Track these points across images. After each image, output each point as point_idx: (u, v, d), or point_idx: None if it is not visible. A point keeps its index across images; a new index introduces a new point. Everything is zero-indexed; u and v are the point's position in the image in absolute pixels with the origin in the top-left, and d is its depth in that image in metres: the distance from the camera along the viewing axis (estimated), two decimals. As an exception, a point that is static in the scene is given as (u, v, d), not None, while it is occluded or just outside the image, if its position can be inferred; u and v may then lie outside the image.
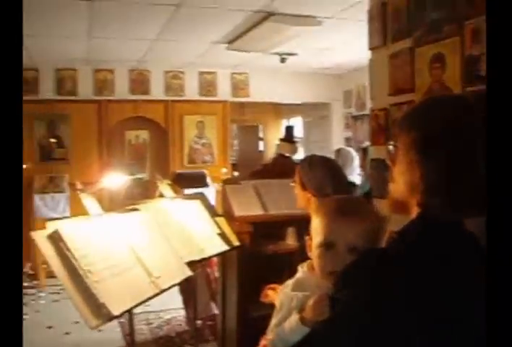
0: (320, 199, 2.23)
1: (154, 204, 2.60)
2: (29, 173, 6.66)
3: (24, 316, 5.07)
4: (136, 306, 1.82)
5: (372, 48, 2.59)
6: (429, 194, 1.09)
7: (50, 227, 1.74)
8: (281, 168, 3.73)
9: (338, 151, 5.50)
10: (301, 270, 1.55)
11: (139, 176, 2.36)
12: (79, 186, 1.93)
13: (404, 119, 1.21)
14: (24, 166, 6.54)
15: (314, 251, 1.47)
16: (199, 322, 4.36)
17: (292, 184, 2.66)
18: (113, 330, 4.33)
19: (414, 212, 1.13)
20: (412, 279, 1.00)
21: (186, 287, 4.08)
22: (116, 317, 1.68)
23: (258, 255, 3.13)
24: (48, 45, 5.63)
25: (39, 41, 5.42)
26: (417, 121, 1.15)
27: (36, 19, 4.59)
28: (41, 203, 6.58)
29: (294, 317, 1.39)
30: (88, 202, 1.97)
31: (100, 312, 1.65)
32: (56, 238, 1.71)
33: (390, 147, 1.20)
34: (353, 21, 4.59)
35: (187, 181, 3.47)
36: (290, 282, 1.53)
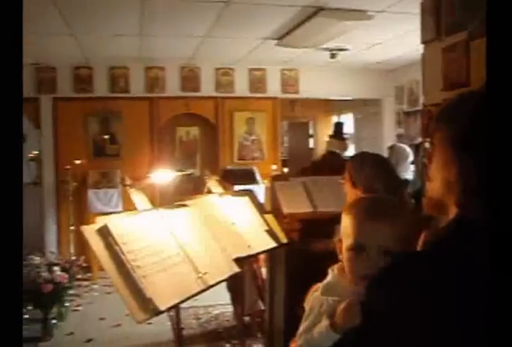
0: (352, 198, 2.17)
1: (202, 200, 2.61)
2: (83, 169, 6.86)
3: (77, 308, 5.23)
4: (182, 301, 1.82)
5: (424, 42, 2.51)
6: (466, 194, 1.02)
7: (100, 221, 1.76)
8: (331, 165, 3.67)
9: (392, 147, 5.38)
10: (332, 273, 1.47)
11: (187, 171, 2.38)
12: (128, 181, 1.95)
13: (440, 115, 1.15)
14: (78, 162, 6.74)
15: (344, 254, 1.40)
16: (247, 318, 4.37)
17: (341, 181, 2.62)
18: (163, 323, 4.39)
19: (452, 212, 1.06)
20: (451, 285, 0.94)
21: (234, 284, 4.09)
22: (163, 312, 1.69)
23: (306, 253, 3.09)
24: (101, 43, 5.76)
25: (92, 40, 5.56)
26: (454, 117, 1.09)
27: (89, 18, 4.71)
28: (95, 198, 6.75)
29: (324, 323, 1.32)
30: (137, 197, 1.99)
31: (147, 307, 1.66)
32: (104, 233, 1.74)
33: (427, 144, 1.15)
34: (405, 14, 4.47)
35: (236, 178, 3.48)
36: (320, 285, 1.46)
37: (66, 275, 4.49)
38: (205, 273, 1.96)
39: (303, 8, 4.41)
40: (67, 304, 4.78)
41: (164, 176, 2.33)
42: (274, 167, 7.42)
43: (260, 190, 6.25)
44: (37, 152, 7.46)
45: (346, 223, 1.40)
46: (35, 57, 6.46)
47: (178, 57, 6.68)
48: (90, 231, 1.72)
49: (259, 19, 4.77)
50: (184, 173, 2.47)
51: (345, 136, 4.57)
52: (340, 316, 1.30)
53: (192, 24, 4.94)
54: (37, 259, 4.67)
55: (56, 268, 4.49)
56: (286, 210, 3.18)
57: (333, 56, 6.21)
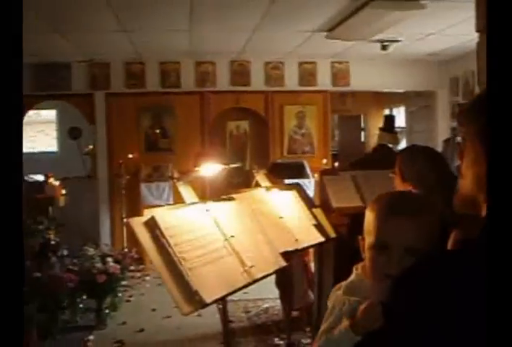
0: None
1: (250, 193, 2.61)
2: (136, 163, 7.01)
3: (130, 299, 5.36)
4: (229, 294, 1.83)
5: (479, 30, 2.41)
6: None
7: (147, 214, 1.78)
8: (382, 158, 3.60)
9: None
10: (355, 272, 1.42)
11: (235, 165, 2.38)
12: (175, 174, 1.97)
13: (470, 108, 1.09)
14: (131, 156, 6.89)
15: (366, 253, 1.35)
16: (295, 312, 4.36)
17: (391, 175, 2.57)
18: (213, 315, 4.43)
19: (484, 210, 1.01)
20: (481, 286, 0.89)
21: (283, 278, 4.08)
22: (209, 305, 1.70)
23: (354, 248, 3.05)
24: (152, 39, 5.84)
25: (144, 36, 5.65)
26: (483, 110, 1.03)
27: (140, 14, 4.78)
28: (147, 191, 6.88)
29: (344, 324, 1.28)
30: (184, 190, 2.00)
31: (193, 299, 1.67)
32: (151, 225, 1.76)
33: (459, 139, 1.09)
34: (459, 2, 4.32)
35: (284, 171, 3.46)
36: (343, 284, 1.42)
37: (119, 267, 4.60)
38: (252, 266, 1.96)
39: (353, -1, 4.34)
40: (120, 295, 4.91)
41: (211, 169, 2.35)
42: (324, 161, 7.35)
43: (310, 184, 6.25)
44: (91, 147, 7.66)
45: (369, 220, 1.34)
46: (89, 54, 6.63)
47: (228, 51, 6.70)
48: (137, 223, 1.75)
49: (307, 11, 4.71)
50: (231, 166, 2.47)
51: (395, 129, 4.47)
52: (360, 318, 1.26)
53: (240, 18, 4.94)
54: (91, 251, 4.81)
55: (109, 259, 4.62)
56: (334, 204, 3.15)
57: (384, 47, 6.08)
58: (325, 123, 7.59)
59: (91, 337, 4.31)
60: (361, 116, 10.29)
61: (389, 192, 1.56)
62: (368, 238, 1.34)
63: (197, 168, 2.24)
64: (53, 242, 4.71)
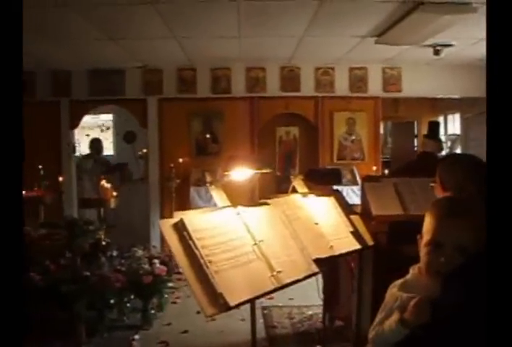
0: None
1: (285, 199, 2.62)
2: (186, 167, 7.14)
3: (176, 300, 5.44)
4: (254, 298, 1.85)
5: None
6: None
7: (177, 216, 1.83)
8: (425, 166, 3.53)
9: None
10: (412, 272, 1.55)
11: (266, 170, 2.40)
12: (208, 178, 2.00)
13: None
14: (181, 160, 7.03)
15: (422, 250, 1.49)
16: (339, 322, 4.30)
17: (432, 185, 2.53)
18: (257, 321, 4.44)
19: None
20: None
21: (329, 286, 4.04)
22: (233, 308, 1.72)
23: (394, 257, 3.00)
24: (203, 46, 5.96)
25: (195, 43, 5.77)
26: None
27: (190, 22, 4.89)
28: (196, 195, 7.00)
29: (395, 318, 1.40)
30: (216, 194, 2.04)
31: (218, 302, 1.70)
32: (180, 227, 1.80)
33: None
34: (514, 5, 4.18)
35: (320, 178, 3.44)
36: (398, 282, 1.55)
37: (165, 268, 4.69)
38: (280, 272, 1.97)
39: (402, 3, 4.27)
40: (166, 296, 5.00)
41: (242, 174, 2.37)
42: (374, 168, 7.26)
43: (359, 190, 6.18)
44: (145, 151, 7.86)
45: (428, 220, 1.50)
46: (143, 60, 6.83)
47: (278, 57, 6.74)
48: (166, 225, 1.79)
49: (356, 16, 4.69)
50: (261, 171, 2.49)
51: (439, 136, 4.37)
52: (410, 312, 1.35)
53: (289, 23, 4.97)
54: (139, 252, 4.93)
55: (156, 261, 4.71)
56: (375, 212, 3.11)
57: (436, 52, 5.96)
58: (376, 130, 7.50)
59: (137, 337, 4.39)
60: (415, 123, 10.09)
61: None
62: (426, 236, 1.49)
63: (226, 173, 2.27)
64: (103, 243, 4.85)
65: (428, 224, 1.49)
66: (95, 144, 8.11)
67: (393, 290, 1.52)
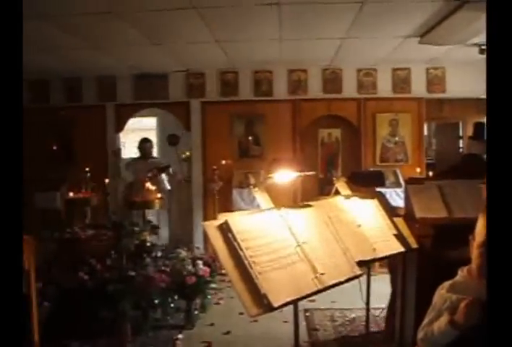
0: None
1: (327, 201, 2.62)
2: (229, 169, 7.20)
3: (219, 301, 5.49)
4: (298, 300, 1.86)
5: None
6: None
7: (221, 218, 1.86)
8: (470, 168, 3.47)
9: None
10: (461, 274, 1.56)
11: (309, 173, 2.40)
12: (252, 180, 2.03)
13: None
14: (224, 162, 7.10)
15: (474, 252, 1.50)
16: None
17: (481, 186, 2.49)
18: (299, 323, 4.44)
19: None
20: None
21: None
22: (276, 309, 1.74)
23: (439, 260, 2.96)
24: (245, 49, 6.01)
25: (237, 46, 5.83)
26: None
27: (231, 25, 4.95)
28: (238, 197, 7.05)
29: (444, 319, 1.37)
30: (260, 196, 2.06)
31: (261, 302, 1.72)
32: (224, 229, 1.83)
33: None
34: None
35: (363, 180, 3.42)
36: (447, 283, 1.52)
37: (208, 269, 4.74)
38: (323, 274, 1.97)
39: (445, 2, 4.21)
40: (209, 297, 5.05)
41: (285, 176, 2.39)
42: (418, 170, 7.15)
43: (402, 193, 6.10)
44: (188, 153, 7.96)
45: (481, 222, 1.52)
46: (186, 64, 6.94)
47: (319, 59, 6.74)
48: (211, 226, 1.83)
49: (398, 16, 4.64)
50: (304, 173, 2.49)
51: (485, 137, 4.26)
52: (460, 314, 1.36)
53: (330, 25, 4.96)
54: (183, 253, 5.01)
55: (199, 262, 4.77)
56: (418, 214, 3.08)
57: (482, 51, 5.82)
58: (420, 131, 7.39)
59: (180, 336, 4.45)
60: (460, 124, 9.87)
61: None
62: (478, 238, 1.51)
63: (269, 175, 2.29)
64: (148, 243, 4.94)
65: (481, 226, 1.49)
66: (142, 144, 8.00)
67: (442, 292, 1.52)
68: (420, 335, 1.49)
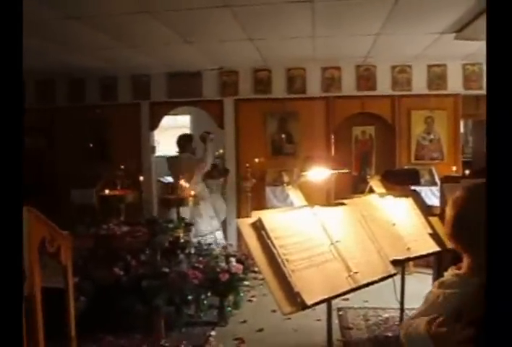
0: None
1: (362, 199, 2.60)
2: (262, 167, 7.21)
3: (252, 299, 5.51)
4: (331, 298, 1.85)
5: None
6: None
7: (255, 215, 1.86)
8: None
9: None
10: (450, 270, 1.52)
11: (343, 170, 2.38)
12: (285, 178, 2.03)
13: None
14: (257, 160, 7.11)
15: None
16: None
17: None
18: (332, 321, 4.42)
19: None
20: None
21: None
22: (309, 307, 1.74)
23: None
24: (278, 46, 5.99)
25: (270, 44, 5.82)
26: None
27: (264, 23, 4.94)
28: (272, 195, 7.06)
29: (423, 327, 1.32)
30: (293, 194, 2.06)
31: (295, 300, 1.72)
32: (258, 226, 1.84)
33: None
34: None
35: (398, 178, 3.37)
36: (439, 280, 1.52)
37: (241, 267, 4.76)
38: (357, 272, 1.96)
39: (481, -3, 4.12)
40: (242, 294, 5.07)
41: (318, 174, 2.38)
42: (454, 168, 7.02)
43: (438, 191, 6.00)
44: (222, 151, 8.00)
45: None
46: (219, 62, 6.97)
47: (353, 56, 6.67)
48: (244, 224, 1.83)
49: (433, 12, 4.55)
50: (338, 171, 2.48)
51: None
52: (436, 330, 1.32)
53: (364, 22, 4.91)
54: (216, 250, 5.04)
55: (232, 259, 4.79)
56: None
57: (520, 46, 5.68)
58: (456, 129, 7.25)
59: (213, 333, 4.49)
60: (498, 121, 9.66)
61: None
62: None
63: (303, 173, 2.28)
64: (182, 240, 4.98)
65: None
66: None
67: (433, 290, 1.51)
68: (401, 331, 1.46)
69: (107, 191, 6.12)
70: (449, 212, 1.49)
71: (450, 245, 2.84)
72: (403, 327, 1.47)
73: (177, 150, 6.87)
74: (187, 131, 10.39)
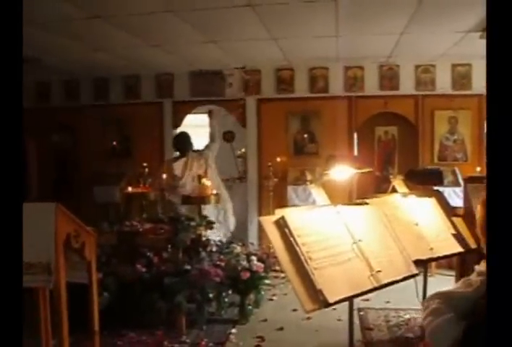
0: None
1: (384, 199, 2.60)
2: (284, 166, 7.22)
3: (272, 297, 5.52)
4: (353, 297, 1.86)
5: None
6: None
7: (278, 213, 1.88)
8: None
9: None
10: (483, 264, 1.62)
11: (366, 170, 2.38)
12: (309, 177, 2.03)
13: None
14: (279, 159, 7.11)
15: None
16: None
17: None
18: (353, 322, 4.41)
19: None
20: None
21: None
22: (332, 305, 1.75)
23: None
24: (300, 45, 6.00)
25: (293, 43, 5.82)
26: None
27: (287, 22, 4.95)
28: (293, 194, 7.05)
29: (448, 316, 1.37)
30: (316, 192, 2.06)
31: (317, 298, 1.73)
32: (281, 224, 1.85)
33: None
34: None
35: (421, 178, 3.34)
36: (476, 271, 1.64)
37: (263, 265, 4.77)
38: (379, 271, 1.96)
39: (508, -5, 4.06)
40: (263, 293, 5.07)
41: (342, 173, 2.38)
42: (478, 169, 6.93)
43: (461, 192, 5.93)
44: (243, 150, 8.02)
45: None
46: (241, 61, 6.99)
47: (376, 55, 6.65)
48: (267, 222, 1.85)
49: (459, 10, 4.52)
50: (362, 170, 2.47)
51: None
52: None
53: (388, 21, 4.89)
54: (238, 249, 5.05)
55: (253, 258, 4.80)
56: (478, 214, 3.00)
57: (548, 46, 5.60)
58: (480, 129, 7.15)
59: (234, 331, 4.51)
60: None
61: None
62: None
63: (326, 172, 2.29)
64: (203, 238, 5.01)
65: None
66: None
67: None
68: (425, 321, 1.49)
69: (130, 189, 6.18)
70: (481, 210, 1.50)
71: (473, 245, 2.83)
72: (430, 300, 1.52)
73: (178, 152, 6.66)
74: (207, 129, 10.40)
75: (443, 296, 1.55)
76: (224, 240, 5.76)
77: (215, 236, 5.57)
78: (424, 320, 1.54)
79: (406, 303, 4.81)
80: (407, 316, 4.90)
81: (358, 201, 2.32)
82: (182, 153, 6.53)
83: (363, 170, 2.45)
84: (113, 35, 5.34)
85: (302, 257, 1.79)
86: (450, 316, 1.46)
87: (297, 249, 1.80)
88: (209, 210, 5.96)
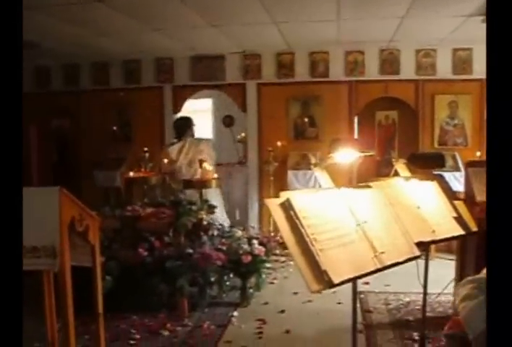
0: None
1: (387, 182, 2.62)
2: (284, 151, 7.23)
3: (273, 281, 5.57)
4: (357, 278, 1.89)
5: None
6: None
7: (283, 196, 1.90)
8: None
9: None
10: None
11: (368, 153, 2.39)
12: (313, 160, 2.05)
13: None
14: (279, 144, 7.12)
15: None
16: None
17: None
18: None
19: None
20: None
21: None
22: (336, 285, 1.78)
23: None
24: (301, 30, 5.98)
25: (293, 27, 5.80)
26: None
27: (288, 6, 4.92)
28: (294, 178, 7.08)
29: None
30: (320, 176, 2.08)
31: (322, 278, 1.76)
32: (286, 206, 1.87)
33: None
34: None
35: (423, 161, 3.36)
36: None
37: (264, 249, 4.81)
38: (382, 253, 1.99)
39: (512, -21, 4.03)
40: (264, 276, 5.11)
41: (346, 156, 2.40)
42: (478, 154, 6.95)
43: (462, 178, 5.95)
44: (243, 135, 8.03)
45: None
46: (242, 46, 6.96)
47: (377, 40, 6.62)
48: (273, 204, 1.87)
49: (462, -6, 4.50)
50: (366, 154, 2.48)
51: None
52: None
53: (390, 4, 4.86)
54: (239, 232, 5.09)
55: (254, 242, 4.84)
56: (479, 197, 3.03)
57: (552, 30, 5.57)
58: (480, 114, 7.14)
59: (235, 314, 4.56)
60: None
61: None
62: None
63: (330, 155, 2.30)
64: (205, 222, 5.04)
65: None
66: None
67: None
68: (461, 305, 1.53)
69: (131, 174, 6.19)
70: None
71: (474, 228, 2.86)
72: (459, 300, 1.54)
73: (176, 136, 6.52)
74: (210, 114, 10.41)
75: (474, 281, 1.58)
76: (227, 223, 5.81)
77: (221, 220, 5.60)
78: (458, 306, 1.58)
79: (406, 287, 4.87)
80: (407, 299, 4.95)
81: (361, 184, 2.34)
82: (179, 137, 6.47)
83: (367, 154, 2.47)
84: (113, 20, 5.31)
85: (307, 239, 1.81)
86: (482, 298, 1.48)
87: (302, 230, 1.82)
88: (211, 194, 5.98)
